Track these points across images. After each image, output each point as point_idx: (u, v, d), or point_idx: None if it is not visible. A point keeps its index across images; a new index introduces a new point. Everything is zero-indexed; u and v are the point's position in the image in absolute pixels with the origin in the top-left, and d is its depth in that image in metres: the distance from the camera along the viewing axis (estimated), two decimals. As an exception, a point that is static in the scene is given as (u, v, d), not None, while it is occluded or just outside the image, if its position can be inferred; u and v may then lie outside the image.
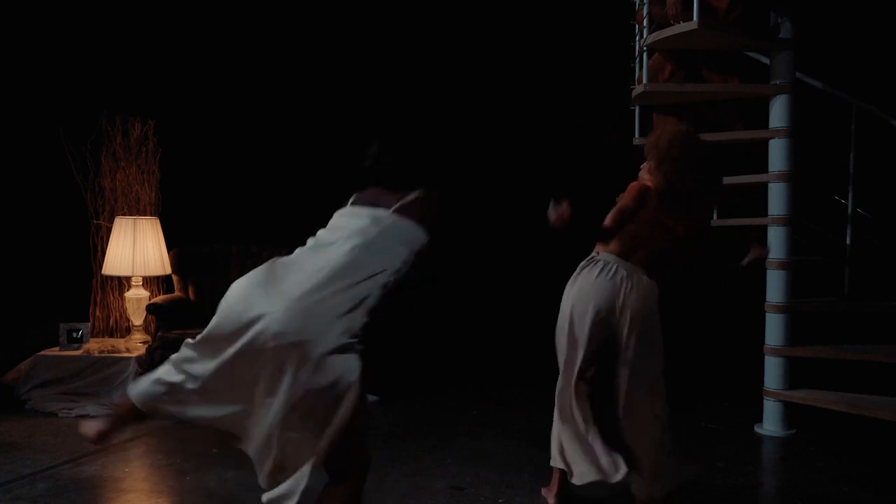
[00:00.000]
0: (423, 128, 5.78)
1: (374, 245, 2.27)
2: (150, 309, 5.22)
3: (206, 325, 2.21)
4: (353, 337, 2.10)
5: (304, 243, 2.44)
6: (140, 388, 2.29)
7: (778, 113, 4.38)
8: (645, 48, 4.45)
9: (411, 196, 2.43)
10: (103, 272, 5.39)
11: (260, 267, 2.29)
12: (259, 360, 2.06)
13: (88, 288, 5.57)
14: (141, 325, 5.38)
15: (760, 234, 4.45)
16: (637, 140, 4.76)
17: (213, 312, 2.22)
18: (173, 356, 2.28)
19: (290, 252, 2.38)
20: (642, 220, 3.23)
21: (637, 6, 4.64)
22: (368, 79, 6.03)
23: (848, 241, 4.64)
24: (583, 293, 3.19)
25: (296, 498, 2.06)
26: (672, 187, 3.13)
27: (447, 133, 5.58)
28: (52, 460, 3.83)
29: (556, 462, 3.26)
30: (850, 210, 4.61)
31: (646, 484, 3.07)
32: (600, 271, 3.22)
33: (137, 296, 5.35)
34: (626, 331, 3.13)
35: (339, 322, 2.09)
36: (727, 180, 4.67)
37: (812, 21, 4.52)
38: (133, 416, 2.35)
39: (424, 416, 4.84)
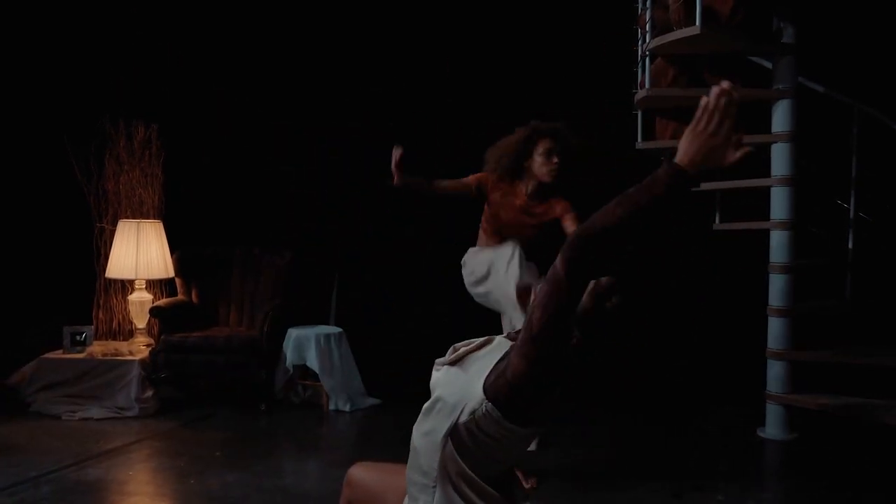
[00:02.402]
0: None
1: None
2: (154, 312, 5.23)
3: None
4: None
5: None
6: None
7: (780, 117, 4.39)
8: (647, 52, 4.46)
9: None
10: (106, 275, 5.41)
11: None
12: None
13: (92, 291, 5.59)
14: (144, 328, 5.39)
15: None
16: (639, 144, 4.77)
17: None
18: None
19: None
20: (504, 209, 3.78)
21: (639, 10, 4.65)
22: (370, 81, 6.04)
23: (850, 244, 4.64)
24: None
25: None
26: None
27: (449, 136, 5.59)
28: (56, 463, 3.84)
29: None
30: (852, 214, 4.61)
31: None
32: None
33: (141, 299, 5.36)
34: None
35: None
36: (728, 185, 4.72)
37: (814, 26, 4.52)
38: None
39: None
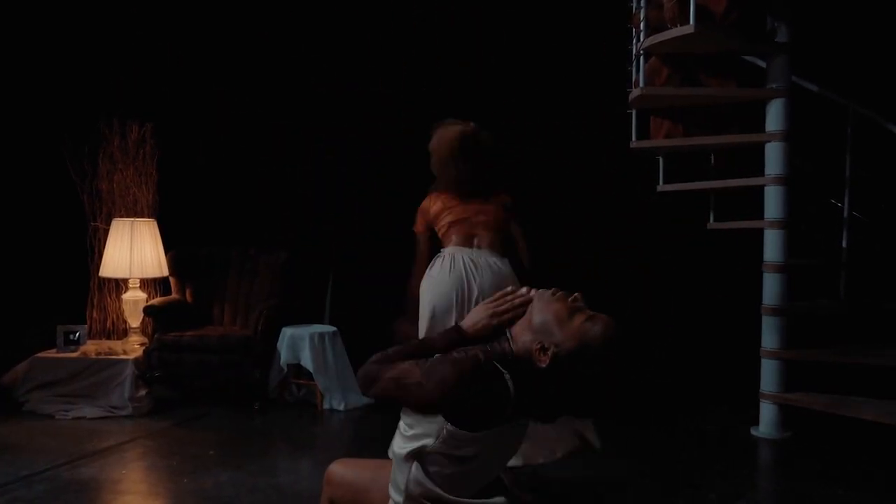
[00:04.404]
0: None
1: None
2: (148, 311, 5.22)
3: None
4: None
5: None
6: None
7: (774, 116, 4.39)
8: (642, 52, 4.46)
9: None
10: (100, 274, 5.39)
11: None
12: None
13: (86, 290, 5.57)
14: (138, 328, 5.38)
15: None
16: (634, 143, 4.77)
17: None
18: None
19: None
20: (459, 210, 3.49)
21: (633, 10, 4.65)
22: (366, 81, 6.04)
23: (844, 244, 4.64)
24: (423, 294, 3.40)
25: None
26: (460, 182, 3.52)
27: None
28: (49, 462, 3.83)
29: None
30: (846, 213, 4.61)
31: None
32: (440, 268, 3.41)
33: (134, 298, 5.34)
34: None
35: None
36: (723, 184, 4.72)
37: (808, 25, 4.52)
38: None
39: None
